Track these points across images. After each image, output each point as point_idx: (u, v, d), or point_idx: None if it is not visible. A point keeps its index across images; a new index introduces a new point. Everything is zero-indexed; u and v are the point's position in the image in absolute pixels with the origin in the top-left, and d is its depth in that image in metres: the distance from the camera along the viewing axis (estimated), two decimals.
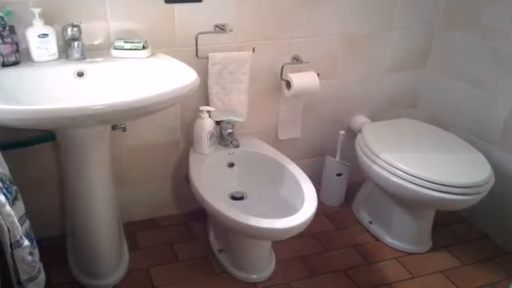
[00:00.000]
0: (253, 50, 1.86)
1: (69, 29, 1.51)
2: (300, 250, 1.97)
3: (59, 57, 1.54)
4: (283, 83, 1.98)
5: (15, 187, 1.14)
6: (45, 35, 1.47)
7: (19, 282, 1.12)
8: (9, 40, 1.45)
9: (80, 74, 1.49)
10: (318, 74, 1.98)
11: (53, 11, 1.55)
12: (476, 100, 2.11)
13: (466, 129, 2.16)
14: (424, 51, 2.27)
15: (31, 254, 1.10)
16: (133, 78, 1.52)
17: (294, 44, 1.97)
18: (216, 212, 1.59)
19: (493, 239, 2.09)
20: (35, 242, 1.15)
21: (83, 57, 1.54)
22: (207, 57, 1.79)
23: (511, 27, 1.93)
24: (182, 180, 2.06)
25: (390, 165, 1.82)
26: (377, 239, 2.05)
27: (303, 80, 1.94)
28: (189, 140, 1.99)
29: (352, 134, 2.21)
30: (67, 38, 1.52)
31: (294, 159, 1.90)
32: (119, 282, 1.74)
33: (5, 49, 1.45)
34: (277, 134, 2.14)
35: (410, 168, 1.77)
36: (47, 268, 1.21)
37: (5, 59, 1.46)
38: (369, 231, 2.09)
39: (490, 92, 2.05)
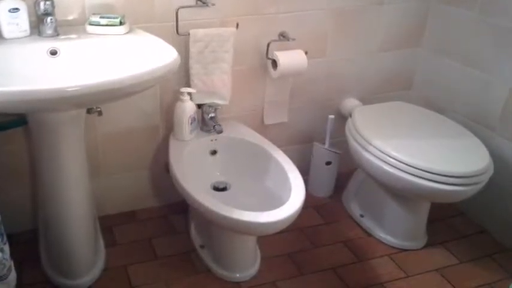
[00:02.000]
0: (237, 25, 1.97)
1: (41, 3, 1.58)
2: (287, 246, 2.09)
3: (31, 34, 1.62)
4: (269, 62, 2.10)
5: None
6: (16, 10, 1.56)
7: None
8: None
9: (53, 53, 1.58)
10: (306, 53, 2.09)
11: None
12: (475, 81, 2.24)
13: (463, 113, 2.30)
14: (419, 27, 2.40)
15: (1, 250, 1.15)
16: (110, 56, 1.62)
17: (280, 19, 2.09)
18: (197, 204, 1.70)
19: (492, 234, 2.23)
20: (5, 237, 1.19)
21: (56, 34, 1.62)
22: (188, 34, 1.90)
23: (511, 2, 2.03)
24: (162, 169, 2.17)
25: (382, 152, 1.94)
26: (369, 234, 2.19)
27: (290, 58, 2.06)
28: (169, 125, 2.09)
29: (343, 118, 2.33)
30: (39, 13, 1.60)
31: (281, 146, 2.03)
32: (94, 282, 1.84)
33: None
34: (262, 118, 2.26)
35: (403, 156, 1.89)
36: (18, 266, 1.26)
37: None
38: (360, 226, 2.23)
39: (489, 72, 2.17)
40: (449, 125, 2.16)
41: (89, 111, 1.78)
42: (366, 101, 2.40)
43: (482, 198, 2.11)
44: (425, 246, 2.15)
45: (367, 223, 2.22)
